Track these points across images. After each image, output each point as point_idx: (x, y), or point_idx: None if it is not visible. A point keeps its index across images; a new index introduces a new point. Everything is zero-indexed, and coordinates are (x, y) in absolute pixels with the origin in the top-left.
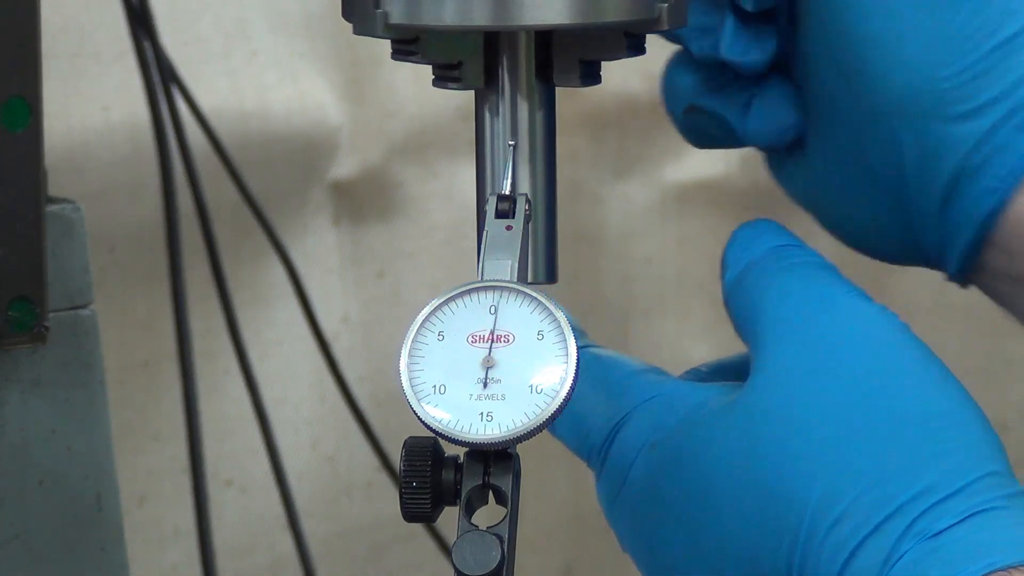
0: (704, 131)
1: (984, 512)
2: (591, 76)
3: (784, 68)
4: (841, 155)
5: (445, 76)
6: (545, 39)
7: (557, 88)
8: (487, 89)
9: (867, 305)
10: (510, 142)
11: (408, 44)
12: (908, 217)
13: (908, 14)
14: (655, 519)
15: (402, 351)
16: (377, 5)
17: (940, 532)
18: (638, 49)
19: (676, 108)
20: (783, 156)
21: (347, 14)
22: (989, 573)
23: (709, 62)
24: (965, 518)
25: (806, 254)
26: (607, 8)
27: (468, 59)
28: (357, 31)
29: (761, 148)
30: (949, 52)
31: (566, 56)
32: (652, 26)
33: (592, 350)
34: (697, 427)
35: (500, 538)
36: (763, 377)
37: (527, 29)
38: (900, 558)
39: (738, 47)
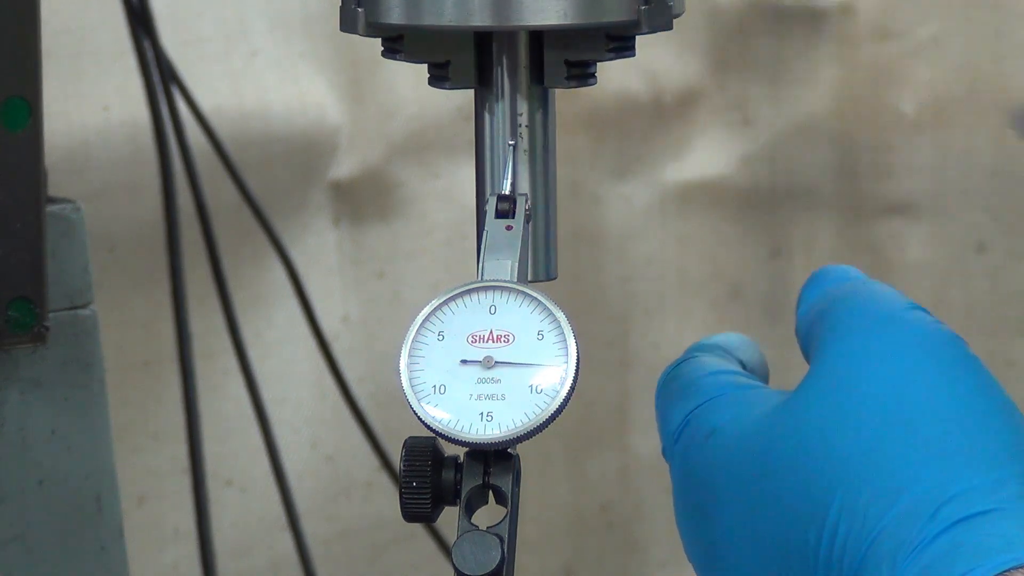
0: None
1: (1011, 507)
2: (581, 77)
3: None
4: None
5: (436, 75)
6: (539, 40)
7: (557, 89)
8: (486, 89)
9: (922, 315)
10: (510, 142)
11: (394, 42)
12: None
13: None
14: (712, 502)
15: (402, 351)
16: (358, 4)
17: (966, 519)
18: (625, 51)
19: None
20: None
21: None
22: (1015, 567)
23: None
24: (991, 509)
25: (872, 280)
26: (589, 9)
27: (455, 58)
28: (341, 28)
29: None
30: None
31: (555, 57)
32: (633, 28)
33: (697, 357)
34: (753, 418)
35: (500, 538)
36: (814, 377)
37: (508, 30)
38: (927, 544)
39: None
